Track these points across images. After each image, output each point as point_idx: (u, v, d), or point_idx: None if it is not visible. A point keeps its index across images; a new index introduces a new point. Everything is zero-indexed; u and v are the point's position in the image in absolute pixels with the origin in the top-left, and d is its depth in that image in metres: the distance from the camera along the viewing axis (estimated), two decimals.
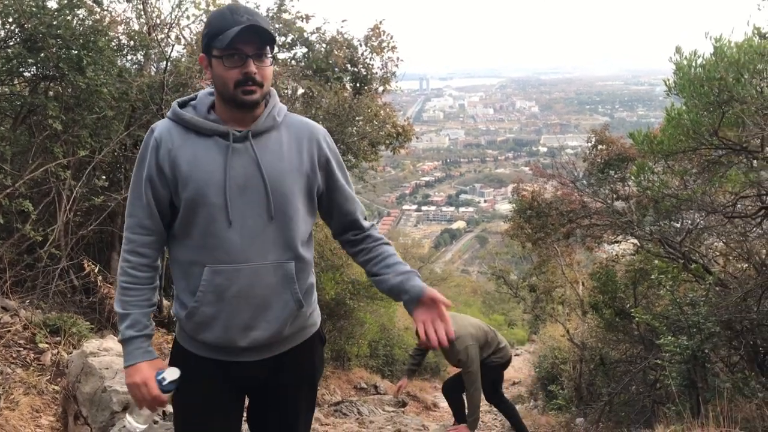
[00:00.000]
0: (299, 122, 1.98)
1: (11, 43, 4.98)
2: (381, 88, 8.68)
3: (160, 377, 1.86)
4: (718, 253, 6.63)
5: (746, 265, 5.63)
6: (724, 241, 6.15)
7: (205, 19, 6.74)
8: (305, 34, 7.85)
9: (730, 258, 6.24)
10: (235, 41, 1.75)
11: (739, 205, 5.13)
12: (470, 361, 4.93)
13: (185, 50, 6.49)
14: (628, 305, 6.50)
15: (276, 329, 1.89)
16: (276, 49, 7.88)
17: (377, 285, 2.03)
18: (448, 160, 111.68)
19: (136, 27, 6.61)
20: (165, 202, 1.88)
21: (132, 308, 1.88)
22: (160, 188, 1.86)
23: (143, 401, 1.87)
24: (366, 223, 2.09)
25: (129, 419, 1.96)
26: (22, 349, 4.17)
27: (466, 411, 5.18)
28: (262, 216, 1.84)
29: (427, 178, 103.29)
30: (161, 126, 1.89)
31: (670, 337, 4.74)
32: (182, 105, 1.94)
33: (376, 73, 8.52)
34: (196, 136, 1.85)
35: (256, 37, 1.78)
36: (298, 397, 2.03)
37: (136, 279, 1.89)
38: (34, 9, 4.80)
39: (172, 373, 1.88)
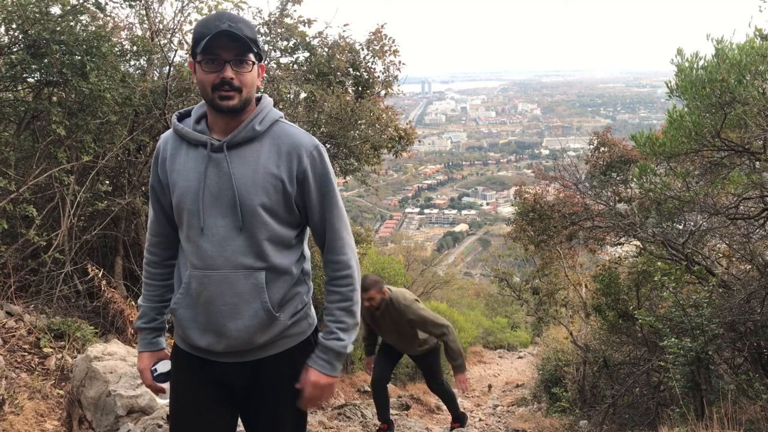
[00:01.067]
0: (287, 134, 1.94)
1: (15, 49, 5.00)
2: (383, 92, 8.67)
3: (153, 368, 2.10)
4: (721, 255, 6.62)
5: (749, 266, 5.62)
6: (727, 242, 6.15)
7: None
8: (307, 39, 7.85)
9: (733, 259, 6.23)
10: (213, 46, 1.78)
11: (741, 207, 5.13)
12: (435, 320, 4.91)
13: (188, 55, 6.51)
14: (631, 307, 6.48)
15: (246, 337, 1.92)
16: (278, 54, 7.88)
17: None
18: (451, 163, 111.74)
19: (139, 32, 6.64)
20: (169, 207, 2.01)
21: (145, 301, 2.12)
22: (161, 195, 2.02)
23: (144, 384, 2.15)
24: (332, 266, 2.00)
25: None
26: (26, 353, 4.18)
27: (452, 359, 5.05)
28: (232, 225, 1.87)
29: (429, 181, 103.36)
30: (164, 136, 2.02)
31: (673, 339, 4.74)
32: (186, 115, 2.01)
33: (378, 76, 8.51)
34: (186, 146, 1.94)
35: (236, 43, 1.80)
36: (281, 404, 2.02)
37: (150, 274, 2.11)
38: (37, 15, 4.82)
39: (164, 366, 2.10)
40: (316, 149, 1.93)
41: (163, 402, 2.31)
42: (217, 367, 1.98)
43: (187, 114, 2.01)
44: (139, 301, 2.13)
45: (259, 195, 1.86)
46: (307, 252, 2.08)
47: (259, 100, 1.97)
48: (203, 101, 1.96)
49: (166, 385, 2.09)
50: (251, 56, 1.84)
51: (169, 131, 2.01)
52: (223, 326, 1.90)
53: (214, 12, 6.58)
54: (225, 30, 1.76)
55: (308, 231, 2.08)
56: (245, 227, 1.87)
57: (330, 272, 2.01)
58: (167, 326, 2.18)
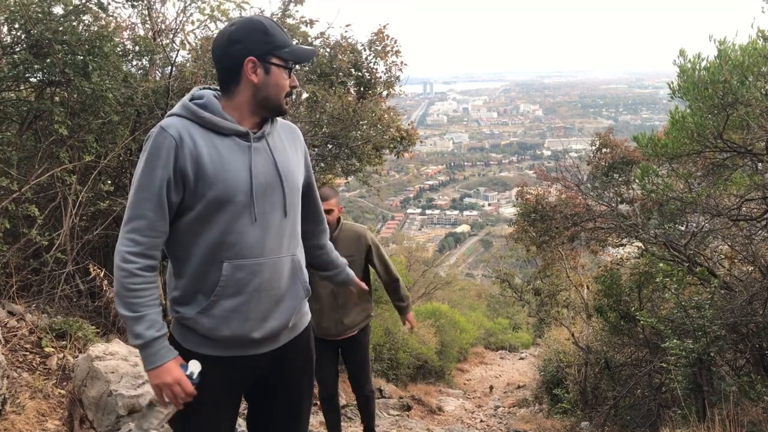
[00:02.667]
0: (285, 124, 2.13)
1: (17, 49, 5.00)
2: (385, 92, 8.66)
3: (188, 372, 1.88)
4: (723, 256, 6.60)
5: (752, 268, 5.61)
6: (729, 244, 6.13)
7: (209, 25, 6.77)
8: (309, 39, 7.84)
9: (736, 261, 6.21)
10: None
11: (744, 208, 5.12)
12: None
13: (190, 55, 6.51)
14: (633, 308, 6.48)
15: (286, 318, 2.00)
16: None
17: (333, 276, 2.50)
18: (452, 164, 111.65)
19: (142, 32, 6.64)
20: (175, 203, 1.88)
21: (147, 309, 1.86)
22: (176, 189, 1.86)
23: (174, 399, 1.87)
24: (323, 234, 2.41)
25: (142, 427, 2.05)
26: (28, 353, 4.19)
27: (403, 300, 4.31)
28: (279, 212, 1.95)
29: (431, 182, 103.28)
30: (176, 125, 1.87)
31: (675, 341, 4.73)
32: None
33: (380, 77, 8.50)
34: (215, 135, 1.89)
35: None
36: (301, 385, 2.15)
37: (146, 279, 1.87)
38: (40, 15, 4.82)
39: (196, 366, 1.91)
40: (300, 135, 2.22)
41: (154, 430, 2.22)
42: (241, 362, 1.99)
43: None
44: (135, 311, 1.85)
45: (297, 179, 2.04)
46: None
47: None
48: (211, 93, 1.98)
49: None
50: None
51: (178, 120, 1.90)
52: (269, 310, 1.96)
53: (218, 13, 6.59)
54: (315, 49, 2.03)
55: None
56: (289, 213, 1.97)
57: (322, 239, 2.40)
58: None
